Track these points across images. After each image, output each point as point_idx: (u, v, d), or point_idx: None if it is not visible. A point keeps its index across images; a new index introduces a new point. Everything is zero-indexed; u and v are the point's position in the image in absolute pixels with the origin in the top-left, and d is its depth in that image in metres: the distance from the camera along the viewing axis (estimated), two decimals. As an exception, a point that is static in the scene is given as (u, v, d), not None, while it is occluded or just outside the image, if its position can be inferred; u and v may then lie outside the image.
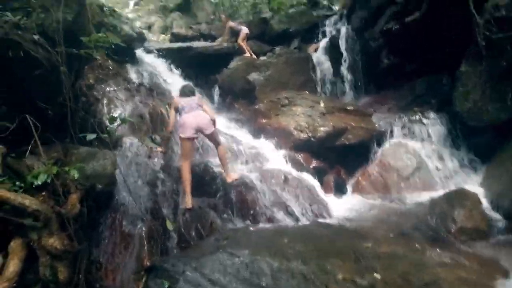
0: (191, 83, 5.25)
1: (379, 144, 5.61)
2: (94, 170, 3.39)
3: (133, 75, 5.95)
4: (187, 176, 4.18)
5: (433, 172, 4.94)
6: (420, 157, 5.09)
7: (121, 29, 6.20)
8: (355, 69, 7.81)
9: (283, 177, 4.85)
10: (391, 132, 5.54)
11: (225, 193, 4.60)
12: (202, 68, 8.76)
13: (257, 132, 6.28)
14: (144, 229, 3.25)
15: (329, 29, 8.89)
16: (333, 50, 8.22)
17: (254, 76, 8.19)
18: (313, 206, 4.53)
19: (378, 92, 7.52)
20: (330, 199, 5.02)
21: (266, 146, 5.92)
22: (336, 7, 11.20)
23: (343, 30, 8.01)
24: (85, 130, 3.70)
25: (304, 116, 5.62)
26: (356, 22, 7.49)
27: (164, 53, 7.62)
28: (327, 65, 8.26)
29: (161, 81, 6.23)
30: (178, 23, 18.80)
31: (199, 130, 4.30)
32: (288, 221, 4.26)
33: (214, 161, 5.38)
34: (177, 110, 4.47)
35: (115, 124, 4.25)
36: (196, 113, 4.30)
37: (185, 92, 4.57)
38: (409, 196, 4.80)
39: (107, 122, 4.33)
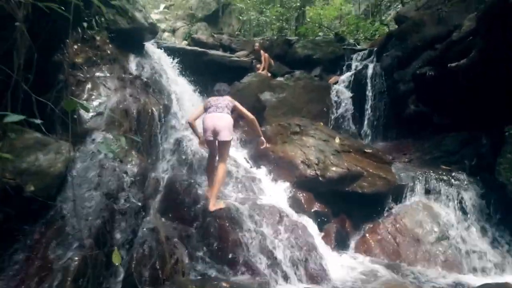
0: (226, 84, 4.54)
1: (396, 200, 4.69)
2: (36, 165, 2.52)
3: (132, 66, 5.18)
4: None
5: (460, 248, 3.98)
6: (445, 226, 4.16)
7: (132, 15, 5.51)
8: (377, 110, 7.03)
9: (278, 216, 3.92)
10: (413, 188, 4.64)
11: (204, 223, 3.67)
12: (213, 77, 8.03)
13: (258, 158, 5.40)
14: (75, 258, 2.30)
15: (355, 63, 8.21)
16: (356, 86, 7.49)
17: (266, 96, 7.44)
18: (309, 263, 3.56)
19: (398, 139, 6.69)
20: (329, 255, 4.04)
21: (265, 176, 5.03)
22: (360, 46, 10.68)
23: (371, 67, 7.30)
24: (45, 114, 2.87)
25: (314, 150, 4.75)
26: (387, 61, 6.78)
27: (177, 54, 6.93)
28: (347, 100, 7.50)
29: (163, 80, 5.45)
30: (203, 32, 18.54)
31: (215, 134, 3.79)
32: (274, 278, 3.30)
33: (201, 180, 4.51)
34: (206, 109, 4.04)
35: (90, 115, 3.44)
36: (218, 115, 3.83)
37: (217, 91, 4.20)
38: (425, 272, 3.82)
39: (81, 110, 3.50)
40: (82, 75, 4.10)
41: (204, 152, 4.87)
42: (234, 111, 4.06)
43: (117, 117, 3.76)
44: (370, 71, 7.20)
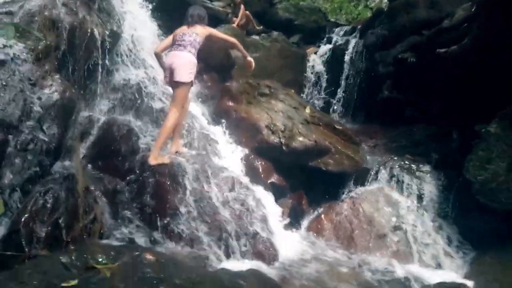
0: (202, 8, 3.90)
1: (357, 183, 4.36)
2: None
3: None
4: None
5: (412, 240, 3.78)
6: (402, 217, 3.92)
7: None
8: (351, 89, 6.62)
9: (229, 183, 3.35)
10: (377, 173, 4.32)
11: (139, 178, 2.98)
12: (182, 19, 7.01)
13: (218, 115, 4.73)
14: None
15: (336, 37, 7.65)
16: (333, 61, 6.99)
17: (237, 53, 6.62)
18: (257, 239, 3.07)
19: (366, 123, 6.38)
20: (280, 232, 3.61)
21: (222, 136, 4.40)
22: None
23: (353, 43, 6.80)
24: None
25: (282, 116, 4.19)
26: (371, 39, 6.30)
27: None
28: (322, 73, 7.01)
29: (117, 4, 4.40)
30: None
31: (171, 74, 3.21)
32: (215, 252, 2.76)
33: (146, 129, 3.75)
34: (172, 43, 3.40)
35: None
36: (177, 53, 3.24)
37: (190, 16, 3.51)
38: (377, 261, 3.57)
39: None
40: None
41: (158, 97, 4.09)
42: (207, 41, 3.48)
43: (38, 26, 2.79)
44: (351, 47, 6.71)
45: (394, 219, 3.92)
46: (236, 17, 7.52)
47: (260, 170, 3.99)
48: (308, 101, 6.75)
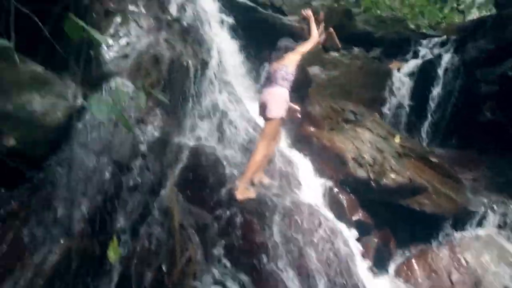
0: (289, 38, 3.80)
1: (457, 226, 3.80)
2: (28, 110, 1.82)
3: (173, 6, 4.31)
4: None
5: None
6: (519, 274, 3.28)
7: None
8: (442, 109, 5.91)
9: (317, 221, 3.16)
10: (483, 217, 3.72)
11: (227, 214, 2.98)
12: (260, 39, 7.07)
13: (298, 141, 4.59)
14: (56, 251, 1.65)
15: (424, 50, 6.93)
16: (422, 77, 6.31)
17: (315, 71, 6.44)
18: (347, 286, 2.84)
19: (461, 149, 5.62)
20: (366, 277, 3.30)
21: (303, 164, 4.24)
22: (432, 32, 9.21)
23: (447, 57, 6.06)
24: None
25: (370, 147, 3.86)
26: (471, 54, 5.53)
27: (224, 4, 5.96)
28: (407, 91, 6.39)
29: (205, 31, 4.57)
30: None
31: (263, 110, 3.25)
32: (302, 301, 2.61)
33: (233, 158, 3.78)
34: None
35: (112, 55, 2.68)
36: (268, 90, 3.25)
37: (277, 49, 3.50)
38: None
39: (104, 46, 2.74)
40: (112, 5, 3.30)
41: (244, 125, 4.12)
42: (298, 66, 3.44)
43: (145, 64, 2.98)
44: (444, 62, 5.98)
45: (507, 276, 3.30)
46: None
47: (345, 205, 3.71)
48: (391, 123, 6.21)
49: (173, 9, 4.24)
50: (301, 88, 6.45)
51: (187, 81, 3.70)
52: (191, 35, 3.90)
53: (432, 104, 5.95)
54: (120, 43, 3.00)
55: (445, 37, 7.00)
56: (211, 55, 4.41)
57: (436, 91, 5.94)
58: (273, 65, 3.42)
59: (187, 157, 3.67)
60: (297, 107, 3.75)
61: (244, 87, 5.48)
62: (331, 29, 7.25)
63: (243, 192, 3.07)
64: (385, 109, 6.34)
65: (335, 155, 3.94)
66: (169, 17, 3.85)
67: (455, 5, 14.56)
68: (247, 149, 3.95)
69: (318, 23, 7.25)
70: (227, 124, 4.14)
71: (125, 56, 2.94)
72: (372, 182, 3.57)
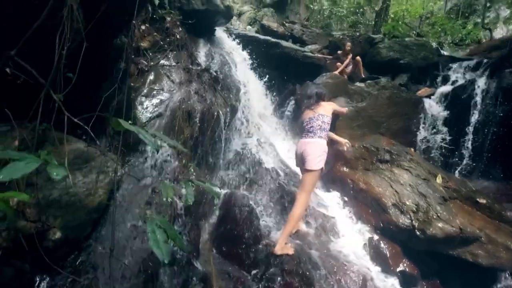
0: (318, 84, 4.23)
1: (516, 277, 3.43)
2: (71, 193, 1.81)
3: (201, 55, 4.40)
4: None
5: None
6: None
7: (209, -4, 4.71)
8: (481, 139, 5.57)
9: (361, 279, 2.95)
10: (547, 267, 3.33)
11: (266, 274, 2.83)
12: (283, 73, 7.09)
13: (332, 181, 4.42)
14: None
15: (455, 75, 6.67)
16: (455, 104, 6.03)
17: (341, 103, 6.31)
18: None
19: (507, 180, 5.22)
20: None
21: (339, 208, 4.06)
22: (461, 55, 8.93)
23: (482, 83, 5.77)
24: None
25: (411, 191, 3.62)
26: (509, 79, 5.24)
27: (247, 43, 6.06)
28: (440, 120, 6.10)
29: (233, 75, 4.61)
30: (268, 19, 17.62)
31: (302, 161, 3.23)
32: None
33: (266, 207, 3.67)
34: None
35: (147, 116, 2.71)
36: (307, 140, 3.23)
37: (308, 97, 3.52)
38: None
39: (139, 107, 2.78)
40: (145, 62, 3.39)
41: (275, 168, 4.02)
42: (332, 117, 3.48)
43: (178, 121, 2.99)
44: (479, 88, 5.70)
45: None
46: (342, 63, 7.26)
47: (387, 254, 3.46)
48: (424, 155, 5.92)
49: (201, 57, 4.33)
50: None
51: (218, 129, 3.68)
52: (219, 82, 3.92)
53: (469, 134, 5.63)
54: (153, 102, 3.04)
55: (475, 61, 6.72)
56: (239, 99, 4.42)
57: (474, 118, 5.63)
58: (307, 113, 3.42)
59: (220, 207, 3.60)
60: (342, 140, 3.79)
61: (271, 126, 5.42)
62: (358, 58, 7.22)
63: (282, 248, 2.93)
64: (418, 141, 6.06)
65: (372, 199, 3.73)
66: (198, 67, 3.90)
67: (478, 20, 14.17)
68: (280, 194, 3.84)
69: (345, 53, 7.24)
70: (258, 167, 4.07)
71: (159, 115, 2.96)
72: (416, 231, 3.31)
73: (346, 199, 4.08)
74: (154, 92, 3.15)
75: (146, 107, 2.93)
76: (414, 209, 3.42)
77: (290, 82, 7.06)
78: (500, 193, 4.90)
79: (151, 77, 3.29)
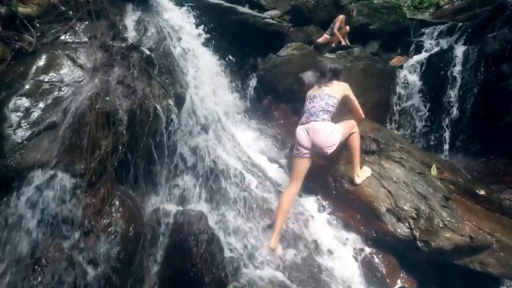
0: (336, 63, 3.57)
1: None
2: None
3: (129, 26, 3.19)
4: (283, 208, 2.80)
5: None
6: None
7: None
8: (461, 112, 5.09)
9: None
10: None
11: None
12: (241, 45, 6.00)
13: (309, 179, 3.64)
14: None
15: (429, 41, 6.07)
16: (431, 74, 5.46)
17: (310, 77, 5.44)
18: None
19: (487, 156, 4.84)
20: None
21: (319, 212, 3.33)
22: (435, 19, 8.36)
23: (460, 50, 5.20)
24: None
25: (407, 190, 2.95)
26: (493, 46, 4.67)
27: (195, 9, 4.85)
28: (416, 92, 5.53)
29: (176, 52, 3.48)
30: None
31: (314, 151, 2.92)
32: None
33: (232, 222, 2.82)
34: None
35: (26, 131, 1.63)
36: (314, 126, 2.89)
37: (322, 73, 3.29)
38: None
39: (11, 116, 1.68)
40: (30, 39, 2.19)
41: (239, 169, 3.14)
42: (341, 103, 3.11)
43: (87, 134, 1.92)
44: (459, 56, 5.13)
45: None
46: (329, 33, 6.33)
47: (384, 271, 2.83)
48: (401, 130, 5.38)
49: (129, 29, 3.14)
50: (296, 100, 5.51)
51: (158, 132, 2.65)
52: (155, 63, 2.83)
53: (449, 107, 5.11)
54: (41, 105, 1.92)
55: (449, 24, 6.14)
56: (187, 84, 3.36)
57: (451, 90, 5.10)
58: (313, 90, 3.15)
59: (169, 235, 2.67)
60: None
61: (231, 112, 4.45)
62: (347, 28, 6.34)
63: (359, 176, 3.00)
64: (393, 114, 5.49)
65: (362, 203, 3.03)
66: (123, 44, 2.75)
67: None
68: (250, 204, 3.00)
69: (348, 22, 6.26)
70: (218, 172, 3.15)
71: (52, 126, 1.86)
72: (418, 242, 2.68)
73: (327, 201, 3.34)
74: (45, 87, 2.01)
75: (27, 115, 1.82)
76: (414, 215, 2.77)
77: (250, 55, 6.01)
78: (484, 173, 4.49)
79: (41, 62, 2.12)
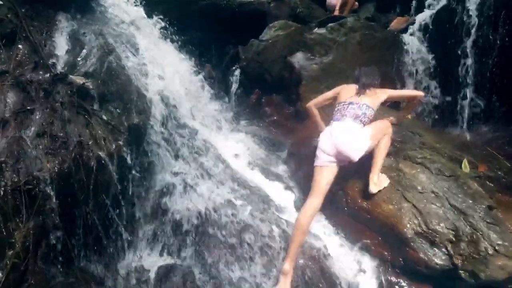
0: (373, 68, 2.96)
1: None
2: None
3: (61, 44, 2.48)
4: (301, 227, 2.31)
5: None
6: None
7: None
8: (480, 77, 4.33)
9: None
10: None
11: None
12: (217, 33, 5.20)
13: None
14: None
15: (432, -3, 5.16)
16: (440, 35, 4.65)
17: (300, 60, 4.72)
18: None
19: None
20: None
21: (328, 234, 2.75)
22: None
23: (472, 2, 4.35)
24: None
25: (439, 204, 2.32)
26: (512, -8, 3.85)
27: (153, 2, 4.06)
28: (425, 59, 4.75)
29: (130, 64, 2.78)
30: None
31: (338, 156, 2.45)
32: None
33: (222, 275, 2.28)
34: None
35: None
36: (342, 126, 2.49)
37: (357, 78, 2.77)
38: None
39: None
40: None
41: (230, 199, 2.56)
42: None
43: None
44: (471, 8, 4.29)
45: None
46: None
47: (420, 307, 2.28)
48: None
49: (59, 53, 2.43)
50: (288, 88, 4.81)
51: (111, 183, 2.03)
52: (95, 93, 2.16)
53: (466, 71, 4.35)
54: None
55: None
56: (149, 104, 2.69)
57: (468, 51, 4.31)
58: (351, 94, 2.64)
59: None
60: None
61: (212, 120, 3.78)
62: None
63: (376, 184, 2.46)
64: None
65: (382, 225, 2.43)
66: (48, 75, 2.07)
67: None
68: (246, 247, 2.43)
69: None
70: (203, 212, 2.55)
71: None
72: (461, 272, 2.09)
73: (337, 220, 2.75)
74: None
75: None
76: (452, 237, 2.17)
77: (229, 43, 5.23)
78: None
79: None
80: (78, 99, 2.02)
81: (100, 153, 1.90)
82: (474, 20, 4.25)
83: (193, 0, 4.88)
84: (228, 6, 5.15)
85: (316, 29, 4.90)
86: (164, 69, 3.35)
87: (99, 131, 2.00)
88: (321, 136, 2.57)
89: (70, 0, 2.93)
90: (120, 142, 2.07)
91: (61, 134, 1.83)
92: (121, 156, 2.08)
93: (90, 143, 1.90)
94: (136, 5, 3.72)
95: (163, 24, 3.76)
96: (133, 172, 2.25)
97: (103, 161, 1.92)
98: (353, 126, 2.45)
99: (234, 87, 4.74)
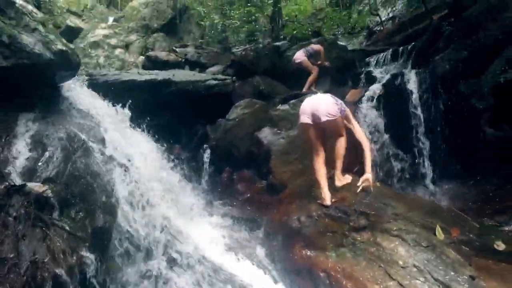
0: None
1: None
2: None
3: (21, 149, 2.40)
4: (321, 172, 3.04)
5: None
6: None
7: (21, 42, 2.76)
8: (432, 137, 4.72)
9: None
10: None
11: None
12: (184, 116, 5.39)
13: (294, 273, 2.88)
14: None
15: (378, 71, 5.86)
16: (393, 105, 5.13)
17: (268, 135, 4.92)
18: None
19: (473, 179, 4.41)
20: None
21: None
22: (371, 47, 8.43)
23: (412, 75, 4.95)
24: None
25: (422, 279, 2.27)
26: (443, 67, 4.45)
27: (122, 92, 4.21)
28: (380, 126, 5.14)
29: (94, 160, 2.71)
30: (161, 44, 15.76)
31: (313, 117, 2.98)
32: None
33: None
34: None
35: None
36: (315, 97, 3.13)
37: None
38: None
39: None
40: None
41: None
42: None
43: None
44: (412, 82, 4.86)
45: None
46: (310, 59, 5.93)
47: None
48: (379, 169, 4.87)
49: (19, 159, 2.33)
50: (259, 165, 4.88)
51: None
52: (54, 201, 2.03)
53: (419, 135, 4.73)
54: None
55: (390, 50, 6.03)
56: (117, 201, 2.56)
57: (417, 118, 4.75)
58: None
59: None
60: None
61: (186, 205, 3.66)
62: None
63: (340, 180, 3.01)
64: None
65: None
66: (2, 187, 1.94)
67: (360, 8, 14.49)
68: None
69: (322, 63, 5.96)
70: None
71: None
72: None
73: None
74: None
75: None
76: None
77: (197, 123, 5.39)
78: (479, 200, 4.01)
79: None
80: (35, 211, 1.88)
81: (57, 270, 1.70)
82: (416, 91, 4.79)
83: (160, 88, 5.11)
84: (194, 90, 5.44)
85: (280, 105, 5.23)
86: (133, 158, 3.31)
87: (58, 243, 1.82)
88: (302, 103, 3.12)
89: (34, 101, 2.94)
90: (82, 253, 1.89)
91: (12, 255, 1.64)
92: (83, 269, 1.88)
93: (46, 260, 1.70)
94: (103, 99, 3.80)
95: (130, 113, 3.82)
96: (96, 281, 2.01)
97: (60, 280, 1.71)
98: (324, 96, 3.07)
99: (205, 166, 4.73)
